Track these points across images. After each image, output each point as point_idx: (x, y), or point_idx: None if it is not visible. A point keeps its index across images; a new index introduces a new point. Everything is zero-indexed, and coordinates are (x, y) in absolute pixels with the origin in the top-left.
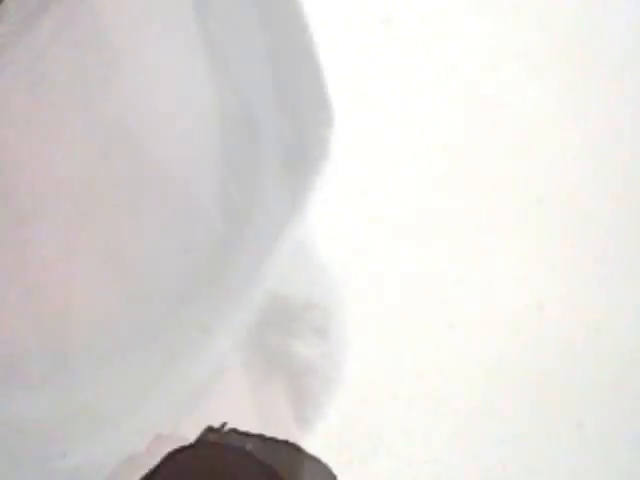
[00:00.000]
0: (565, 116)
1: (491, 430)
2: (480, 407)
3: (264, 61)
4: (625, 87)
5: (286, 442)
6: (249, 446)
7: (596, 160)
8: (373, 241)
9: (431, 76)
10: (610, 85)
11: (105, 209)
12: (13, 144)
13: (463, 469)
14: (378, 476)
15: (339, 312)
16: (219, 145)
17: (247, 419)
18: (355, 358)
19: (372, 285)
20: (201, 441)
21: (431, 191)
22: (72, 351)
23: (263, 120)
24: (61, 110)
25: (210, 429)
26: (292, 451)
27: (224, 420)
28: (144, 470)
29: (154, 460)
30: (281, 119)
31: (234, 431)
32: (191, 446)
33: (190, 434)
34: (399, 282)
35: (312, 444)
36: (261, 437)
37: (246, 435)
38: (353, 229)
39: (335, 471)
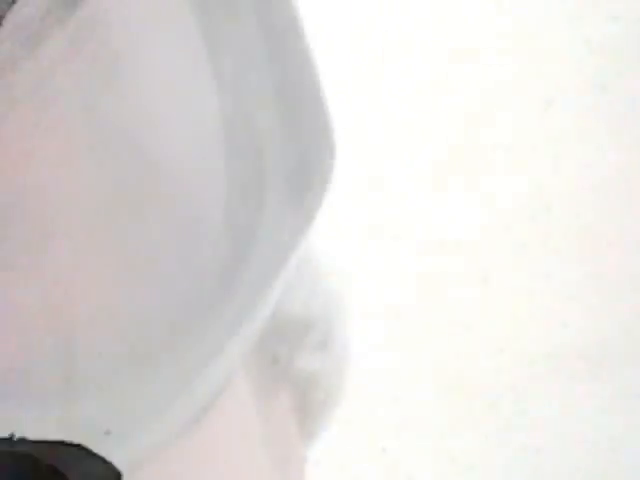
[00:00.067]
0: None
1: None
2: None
3: (266, 72)
4: None
5: (76, 445)
6: (37, 451)
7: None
8: (374, 248)
9: (431, 76)
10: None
11: (109, 221)
12: (17, 148)
13: None
14: None
15: (342, 322)
16: (223, 158)
17: (250, 432)
18: (358, 367)
19: (374, 291)
20: None
21: (431, 191)
22: (80, 364)
23: (267, 135)
24: (65, 117)
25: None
26: (80, 453)
27: (228, 436)
28: None
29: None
30: (285, 134)
31: (23, 440)
32: None
33: None
34: (400, 287)
35: (315, 455)
36: (49, 442)
37: (33, 442)
38: (353, 236)
39: (338, 479)
